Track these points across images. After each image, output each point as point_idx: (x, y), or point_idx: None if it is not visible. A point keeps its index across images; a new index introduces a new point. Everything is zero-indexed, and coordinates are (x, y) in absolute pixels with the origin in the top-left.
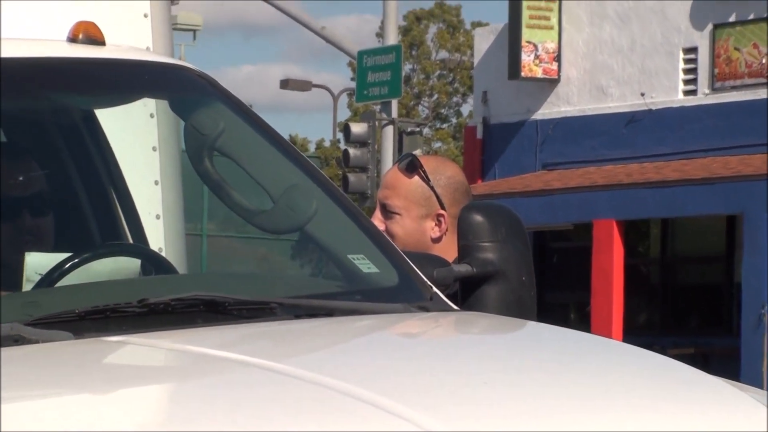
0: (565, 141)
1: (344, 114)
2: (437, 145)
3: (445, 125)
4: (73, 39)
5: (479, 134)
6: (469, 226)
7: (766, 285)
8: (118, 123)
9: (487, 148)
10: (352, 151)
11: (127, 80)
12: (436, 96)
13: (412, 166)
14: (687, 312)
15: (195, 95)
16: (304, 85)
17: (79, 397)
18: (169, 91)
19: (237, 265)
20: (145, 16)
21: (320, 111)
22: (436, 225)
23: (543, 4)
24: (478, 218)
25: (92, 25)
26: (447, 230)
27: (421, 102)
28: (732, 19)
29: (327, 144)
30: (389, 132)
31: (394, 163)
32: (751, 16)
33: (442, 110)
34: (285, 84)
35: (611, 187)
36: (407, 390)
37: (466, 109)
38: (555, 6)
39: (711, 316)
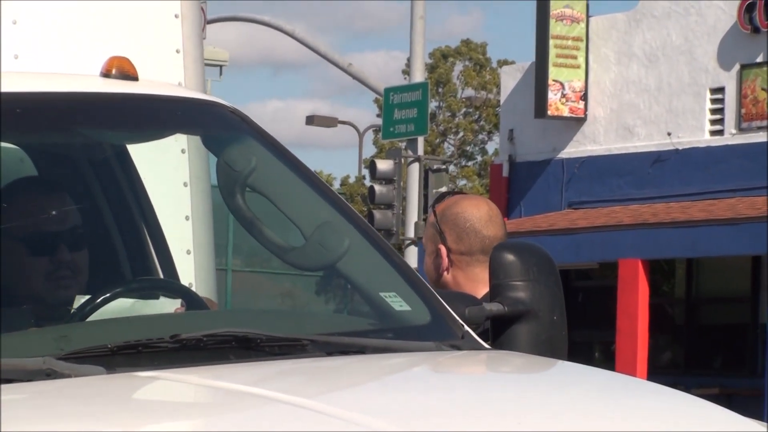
0: (591, 180)
1: (370, 150)
2: (462, 182)
3: (470, 163)
4: (106, 74)
5: (505, 172)
6: (500, 265)
7: None
8: (149, 158)
9: (513, 186)
10: (377, 188)
11: (160, 116)
12: (461, 134)
13: (432, 206)
14: (711, 352)
15: (228, 131)
16: (329, 122)
17: None
18: (202, 127)
19: (262, 300)
20: (177, 51)
21: (346, 147)
22: (441, 260)
23: (570, 42)
24: (510, 257)
25: (125, 61)
26: (451, 265)
27: (447, 139)
28: (759, 59)
29: (352, 180)
30: (415, 169)
31: (419, 201)
32: None
33: (468, 148)
34: (311, 120)
35: (637, 227)
36: (440, 429)
37: (491, 147)
38: (582, 45)
39: (735, 357)
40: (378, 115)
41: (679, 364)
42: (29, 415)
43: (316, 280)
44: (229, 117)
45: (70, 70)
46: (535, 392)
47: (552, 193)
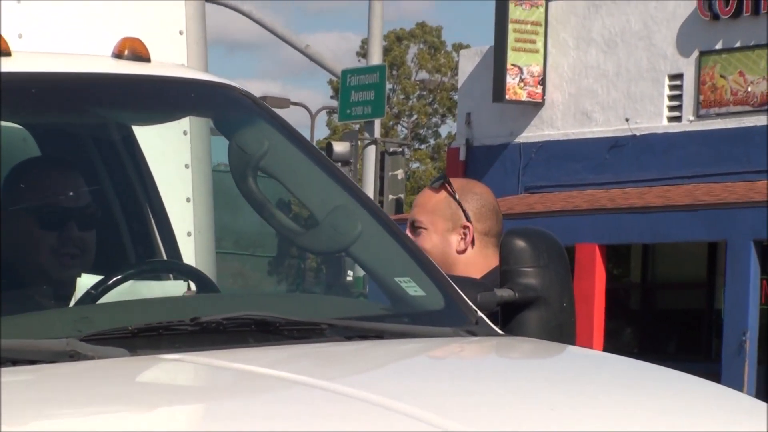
0: (548, 164)
1: (322, 132)
2: (415, 165)
3: (423, 146)
4: (118, 55)
5: (462, 156)
6: (510, 252)
7: (747, 312)
8: (152, 139)
9: (470, 170)
10: None
11: (172, 98)
12: (415, 116)
13: (439, 184)
14: (667, 337)
15: (240, 114)
16: (282, 103)
17: (148, 415)
18: (214, 110)
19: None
20: (181, 33)
21: (298, 128)
22: (461, 238)
23: (529, 27)
24: (520, 243)
25: (138, 42)
26: (473, 243)
27: (400, 122)
28: (718, 46)
29: None
30: (371, 152)
31: (375, 183)
32: (738, 44)
33: (421, 131)
34: (263, 101)
35: (594, 212)
36: (472, 412)
37: (444, 130)
38: (541, 30)
39: (691, 342)
40: (332, 97)
41: (635, 348)
42: (59, 396)
43: (266, 260)
44: (241, 100)
45: (72, 51)
46: (559, 379)
47: (509, 178)
